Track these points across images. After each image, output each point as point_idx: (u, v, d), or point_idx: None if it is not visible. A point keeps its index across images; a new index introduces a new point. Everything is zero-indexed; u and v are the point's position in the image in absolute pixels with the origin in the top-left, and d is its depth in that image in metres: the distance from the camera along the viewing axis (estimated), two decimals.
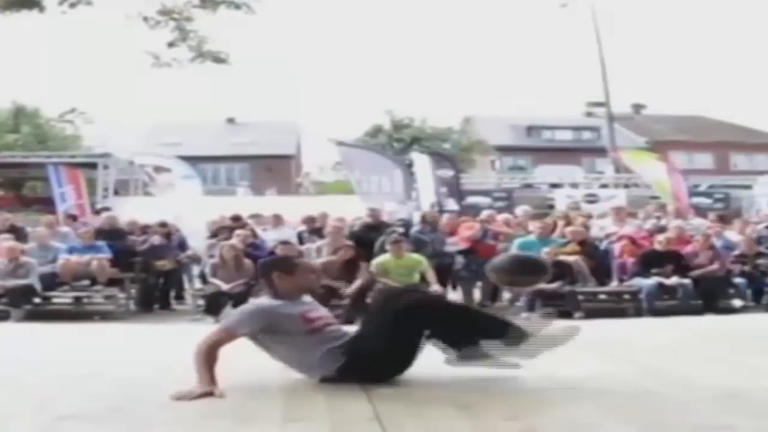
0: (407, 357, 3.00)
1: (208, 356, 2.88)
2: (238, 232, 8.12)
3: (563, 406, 2.48)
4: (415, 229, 8.48)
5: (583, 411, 2.39)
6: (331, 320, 3.23)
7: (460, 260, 7.96)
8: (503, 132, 31.03)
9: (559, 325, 3.00)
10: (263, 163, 28.97)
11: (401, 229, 8.25)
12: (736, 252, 8.09)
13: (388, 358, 2.99)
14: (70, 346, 4.93)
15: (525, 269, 3.25)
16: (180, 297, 8.79)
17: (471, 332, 2.95)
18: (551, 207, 13.62)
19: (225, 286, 7.19)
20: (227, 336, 2.99)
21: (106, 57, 55.28)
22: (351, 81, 66.27)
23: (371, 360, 2.95)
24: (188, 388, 2.72)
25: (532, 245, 7.88)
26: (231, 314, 3.17)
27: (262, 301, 3.19)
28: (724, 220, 9.52)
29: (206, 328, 6.21)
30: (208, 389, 2.75)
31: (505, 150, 29.81)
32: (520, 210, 9.71)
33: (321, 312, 3.24)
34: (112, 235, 8.49)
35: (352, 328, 3.35)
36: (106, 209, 10.82)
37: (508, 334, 2.90)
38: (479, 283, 8.05)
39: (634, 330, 5.82)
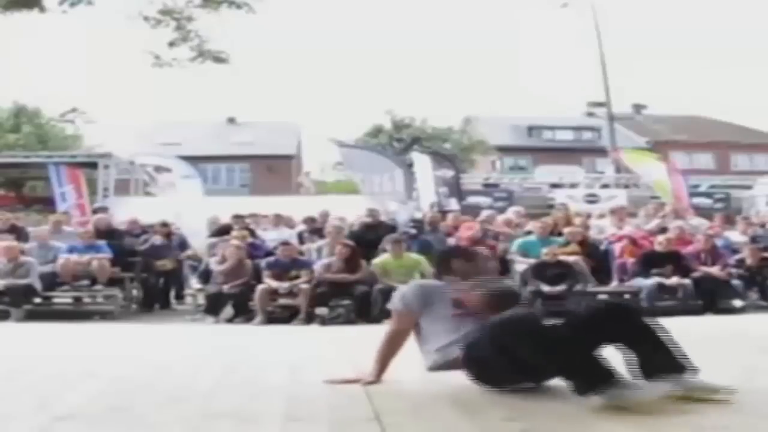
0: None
1: (389, 344, 2.94)
2: (235, 233, 8.12)
3: (563, 406, 2.47)
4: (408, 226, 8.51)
5: (583, 411, 2.39)
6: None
7: None
8: (504, 132, 31.02)
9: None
10: (263, 163, 28.97)
11: (413, 231, 8.25)
12: (738, 256, 8.07)
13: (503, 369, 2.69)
14: (70, 345, 4.95)
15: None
16: (180, 297, 8.80)
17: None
18: (551, 207, 13.58)
19: (225, 286, 7.20)
20: (401, 318, 2.99)
21: (106, 57, 55.37)
22: (351, 81, 66.39)
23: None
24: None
25: (532, 245, 7.90)
26: (395, 297, 3.06)
27: (419, 281, 3.17)
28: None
29: (206, 328, 6.26)
30: (368, 378, 2.87)
31: (505, 150, 29.78)
32: (512, 210, 9.61)
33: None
34: (107, 235, 8.50)
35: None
36: (102, 209, 10.74)
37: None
38: None
39: None
